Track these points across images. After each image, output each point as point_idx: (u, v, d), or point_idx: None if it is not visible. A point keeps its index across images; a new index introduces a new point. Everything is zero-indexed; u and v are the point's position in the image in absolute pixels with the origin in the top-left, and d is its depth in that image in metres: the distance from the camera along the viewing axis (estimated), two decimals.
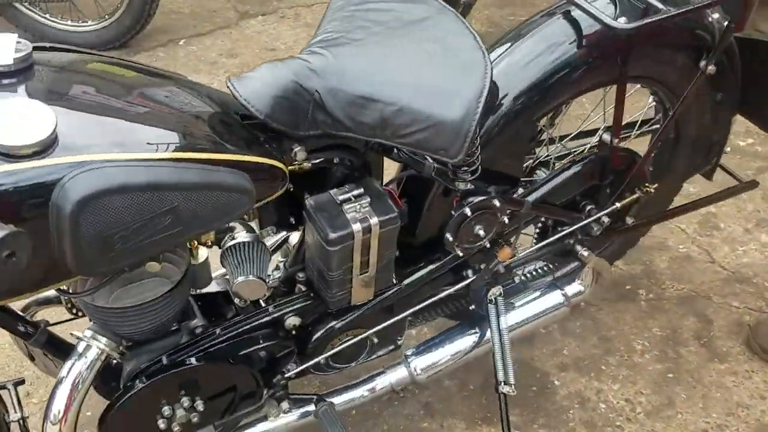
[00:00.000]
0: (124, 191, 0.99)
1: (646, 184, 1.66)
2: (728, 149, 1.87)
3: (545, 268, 1.83)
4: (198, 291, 1.48)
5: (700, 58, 1.54)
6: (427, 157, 1.33)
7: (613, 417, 1.88)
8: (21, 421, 1.46)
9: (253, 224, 1.41)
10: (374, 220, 1.31)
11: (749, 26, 1.59)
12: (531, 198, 1.59)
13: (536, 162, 1.80)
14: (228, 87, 1.17)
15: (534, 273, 1.83)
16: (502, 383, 1.56)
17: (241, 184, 1.11)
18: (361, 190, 1.34)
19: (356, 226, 1.30)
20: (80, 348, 1.28)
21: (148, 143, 1.06)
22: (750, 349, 2.02)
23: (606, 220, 1.68)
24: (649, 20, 1.31)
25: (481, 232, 1.44)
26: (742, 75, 1.71)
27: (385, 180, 1.51)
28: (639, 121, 1.79)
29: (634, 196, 1.66)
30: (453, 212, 1.42)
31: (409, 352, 1.68)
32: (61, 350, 1.33)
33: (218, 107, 1.22)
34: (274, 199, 1.36)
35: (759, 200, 2.50)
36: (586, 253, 1.69)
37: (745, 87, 1.73)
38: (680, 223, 2.40)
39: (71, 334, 1.32)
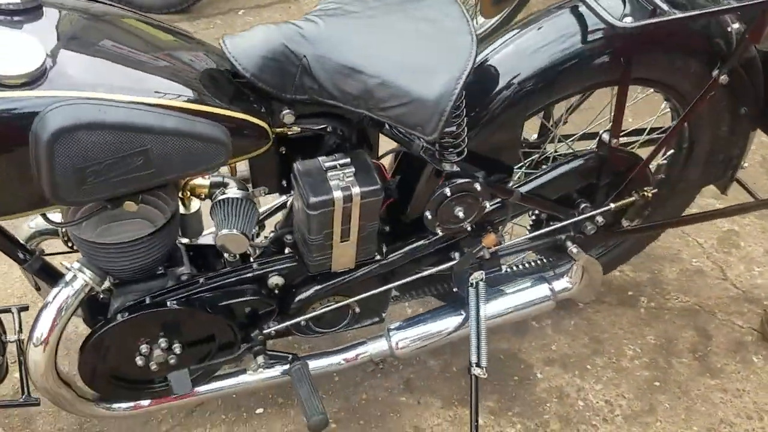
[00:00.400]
0: (98, 128, 1.06)
1: (645, 189, 1.63)
2: (746, 164, 1.83)
3: (539, 263, 1.83)
4: (191, 242, 1.55)
5: (714, 67, 1.52)
6: (416, 137, 1.36)
7: (590, 416, 1.87)
8: (18, 342, 1.55)
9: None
10: (356, 190, 1.34)
11: None
12: (524, 189, 1.59)
13: (542, 157, 1.80)
14: (220, 44, 1.21)
15: (527, 266, 1.83)
16: (474, 365, 1.58)
17: (216, 136, 1.16)
18: (348, 160, 1.37)
19: (337, 194, 1.33)
20: (67, 277, 1.36)
21: (129, 87, 1.11)
22: (763, 336, 1.99)
23: (600, 220, 1.67)
24: (652, 22, 1.30)
25: (461, 214, 1.45)
26: (765, 90, 1.68)
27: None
28: (648, 128, 1.76)
29: (630, 199, 1.64)
30: (435, 191, 1.43)
31: (392, 326, 1.71)
32: (52, 278, 1.41)
33: (212, 63, 1.26)
34: (267, 161, 1.41)
35: None
36: (575, 250, 1.68)
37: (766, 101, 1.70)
38: (699, 237, 2.36)
39: (61, 263, 1.39)
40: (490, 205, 1.52)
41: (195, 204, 1.47)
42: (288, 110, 1.29)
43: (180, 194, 1.43)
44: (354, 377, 1.95)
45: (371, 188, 1.35)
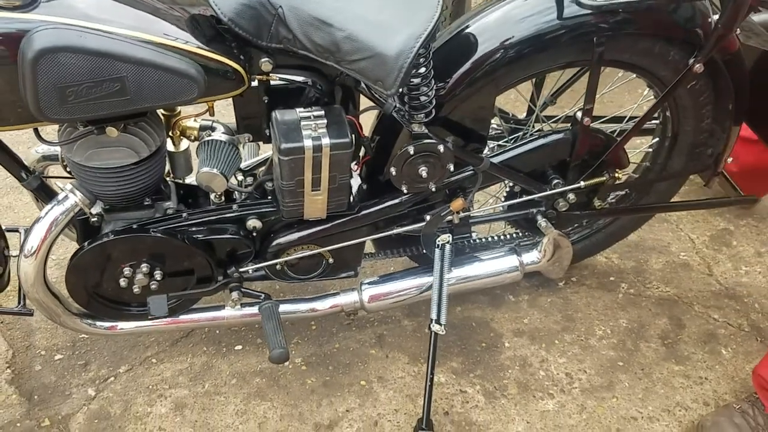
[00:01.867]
0: (78, 51, 1.17)
1: (616, 170, 1.66)
2: (731, 159, 1.84)
3: (514, 236, 1.87)
4: (181, 180, 1.63)
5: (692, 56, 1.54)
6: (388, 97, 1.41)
7: (548, 385, 1.92)
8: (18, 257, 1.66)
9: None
10: (326, 141, 1.41)
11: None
12: (497, 159, 1.63)
13: (525, 135, 1.83)
14: None
15: (501, 238, 1.87)
16: (434, 322, 1.63)
17: (189, 72, 1.25)
18: (322, 113, 1.44)
19: (307, 143, 1.40)
20: (60, 196, 1.48)
21: (111, 20, 1.22)
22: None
23: (572, 197, 1.70)
24: (614, 2, 1.32)
25: (424, 174, 1.51)
26: (752, 86, 1.68)
27: None
28: (628, 116, 1.78)
29: (601, 179, 1.67)
30: (401, 149, 1.48)
31: (365, 281, 1.78)
32: (49, 197, 1.52)
33: (197, 9, 1.34)
34: (251, 109, 1.49)
35: None
36: (545, 224, 1.72)
37: (754, 98, 1.70)
38: (692, 233, 2.38)
39: (56, 184, 1.50)
40: (459, 172, 1.57)
41: (184, 144, 1.56)
42: (266, 58, 1.36)
43: (170, 133, 1.53)
44: (330, 328, 2.03)
45: (341, 141, 1.42)
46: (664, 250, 2.32)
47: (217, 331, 2.01)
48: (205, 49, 1.28)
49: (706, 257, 2.31)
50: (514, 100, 2.62)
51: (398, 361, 1.97)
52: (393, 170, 1.51)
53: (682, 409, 1.87)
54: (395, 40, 1.27)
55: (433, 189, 1.56)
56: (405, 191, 1.56)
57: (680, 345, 2.04)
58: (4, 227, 1.65)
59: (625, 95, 1.97)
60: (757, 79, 1.70)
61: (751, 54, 1.68)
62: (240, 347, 1.98)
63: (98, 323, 1.68)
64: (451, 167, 1.53)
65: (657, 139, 1.80)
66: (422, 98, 1.41)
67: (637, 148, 1.87)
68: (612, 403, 1.88)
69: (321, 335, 2.02)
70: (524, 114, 1.91)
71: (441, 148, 1.48)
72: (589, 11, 1.44)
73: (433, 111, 1.43)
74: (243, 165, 1.68)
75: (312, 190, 1.48)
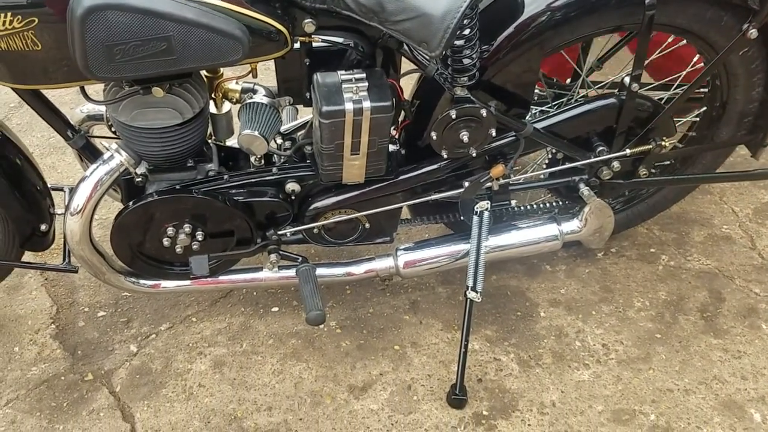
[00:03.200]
0: (126, 10, 1.18)
1: (664, 138, 1.62)
2: None
3: (554, 205, 1.84)
4: (223, 143, 1.64)
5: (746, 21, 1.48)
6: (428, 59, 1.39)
7: (584, 355, 1.90)
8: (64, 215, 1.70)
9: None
10: (366, 105, 1.40)
11: None
12: (540, 125, 1.60)
13: (569, 100, 1.79)
14: None
15: (540, 206, 1.84)
16: (470, 289, 1.62)
17: (233, 32, 1.24)
18: (364, 76, 1.43)
19: (348, 106, 1.39)
20: (105, 156, 1.50)
21: None
22: None
23: (617, 165, 1.66)
24: None
25: (465, 138, 1.48)
26: None
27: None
28: (676, 83, 1.72)
29: (647, 147, 1.63)
30: (442, 113, 1.46)
31: (400, 247, 1.78)
32: (94, 156, 1.54)
33: None
34: (293, 72, 1.49)
35: None
36: (587, 192, 1.69)
37: None
38: (735, 206, 2.31)
39: (101, 143, 1.51)
40: (500, 137, 1.55)
41: (226, 106, 1.56)
42: (309, 19, 1.35)
43: (213, 95, 1.53)
44: (365, 293, 2.04)
45: (382, 104, 1.41)
46: (707, 222, 2.26)
47: (255, 293, 2.02)
48: (251, 9, 1.27)
49: (749, 230, 2.25)
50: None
51: (432, 327, 1.97)
52: (434, 135, 1.49)
53: (719, 383, 1.84)
54: (441, 0, 1.25)
55: (474, 154, 1.54)
56: (445, 156, 1.55)
57: (719, 318, 2.00)
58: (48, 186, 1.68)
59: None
60: None
61: None
62: (276, 309, 2.00)
63: (141, 281, 1.71)
64: (493, 132, 1.50)
65: (705, 108, 1.75)
66: (466, 61, 1.39)
67: (685, 117, 1.82)
68: (648, 374, 1.85)
69: (355, 300, 2.02)
70: (569, 80, 1.87)
71: (484, 112, 1.46)
72: None
73: (477, 74, 1.40)
74: (282, 129, 1.68)
75: (351, 154, 1.47)
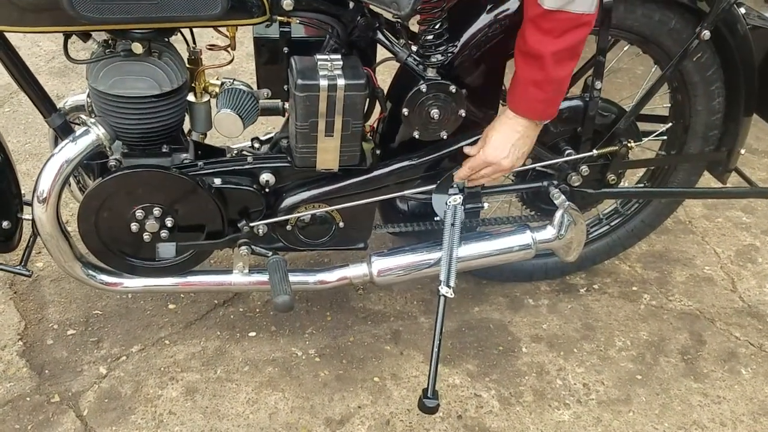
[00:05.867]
0: None
1: (629, 140, 1.56)
2: (743, 151, 1.72)
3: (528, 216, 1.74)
4: (201, 140, 1.59)
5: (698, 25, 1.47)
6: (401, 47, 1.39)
7: (565, 395, 1.69)
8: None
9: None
10: (341, 82, 1.34)
11: None
12: None
13: None
14: None
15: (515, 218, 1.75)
16: (444, 284, 1.49)
17: None
18: (339, 56, 1.39)
19: (323, 82, 1.34)
20: (79, 131, 1.39)
21: None
22: None
23: (585, 170, 1.59)
24: None
25: (436, 116, 1.42)
26: (761, 74, 1.60)
27: None
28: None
29: (613, 148, 1.56)
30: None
31: (374, 253, 1.65)
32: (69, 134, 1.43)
33: None
34: (272, 61, 1.46)
35: None
36: (558, 198, 1.60)
37: (763, 87, 1.62)
38: (717, 247, 2.18)
39: (79, 116, 1.46)
40: (471, 134, 1.49)
41: (205, 98, 1.52)
42: None
43: (193, 84, 1.50)
44: (346, 320, 1.87)
45: (356, 82, 1.35)
46: (689, 262, 2.11)
47: (232, 316, 1.85)
48: None
49: (731, 272, 2.09)
50: None
51: (413, 359, 1.78)
52: (405, 110, 1.41)
53: (699, 428, 1.62)
54: None
55: (445, 136, 1.48)
56: (417, 136, 1.46)
57: (700, 362, 1.80)
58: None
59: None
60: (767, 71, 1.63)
61: (762, 44, 1.62)
62: (254, 334, 1.81)
63: (99, 276, 1.55)
64: (463, 113, 1.43)
65: (671, 123, 1.70)
66: (431, 37, 1.36)
67: (653, 133, 1.76)
68: (628, 417, 1.64)
69: (336, 327, 1.85)
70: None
71: (453, 88, 1.39)
72: None
73: (447, 56, 1.38)
74: (262, 137, 1.64)
75: (325, 136, 1.41)
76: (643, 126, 1.72)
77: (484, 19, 1.45)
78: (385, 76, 1.53)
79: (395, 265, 1.61)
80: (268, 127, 2.31)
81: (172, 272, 1.56)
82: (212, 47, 1.48)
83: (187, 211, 1.47)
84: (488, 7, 1.45)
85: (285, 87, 1.49)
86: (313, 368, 1.73)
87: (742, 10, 1.57)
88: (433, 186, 1.54)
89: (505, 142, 1.39)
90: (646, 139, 1.65)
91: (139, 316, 1.84)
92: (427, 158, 1.55)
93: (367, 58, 1.49)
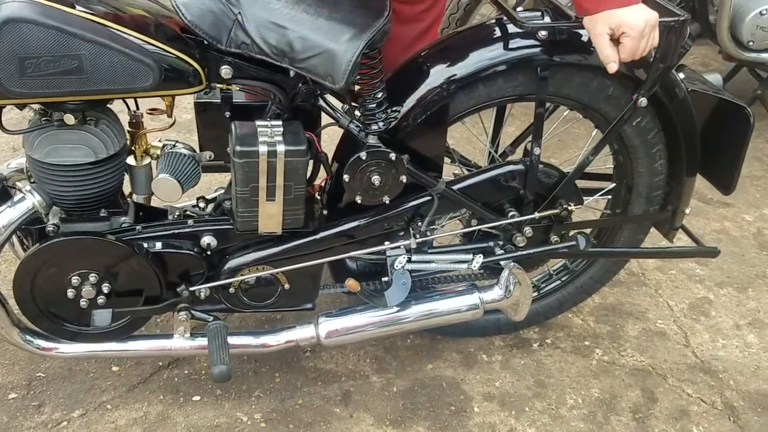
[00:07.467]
0: (40, 25, 1.17)
1: (569, 203, 1.60)
2: (689, 210, 1.76)
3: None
4: (144, 202, 1.58)
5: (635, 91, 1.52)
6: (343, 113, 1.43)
7: None
8: None
9: None
10: (281, 148, 1.36)
11: None
12: (453, 186, 1.58)
13: None
14: None
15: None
16: None
17: (144, 59, 1.24)
18: (279, 122, 1.40)
19: (262, 148, 1.35)
20: (16, 198, 1.40)
21: (82, 4, 1.24)
22: None
23: (529, 231, 1.63)
24: (551, 24, 1.35)
25: (377, 182, 1.44)
26: (703, 136, 1.66)
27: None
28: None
29: (554, 211, 1.60)
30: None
31: (321, 315, 1.65)
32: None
33: (165, 16, 1.37)
34: (214, 125, 1.49)
35: (765, 299, 2.24)
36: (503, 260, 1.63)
37: (707, 150, 1.67)
38: (670, 300, 2.20)
39: (16, 183, 1.46)
40: (415, 197, 1.53)
41: (145, 161, 1.53)
42: (226, 66, 1.35)
43: (133, 148, 1.51)
44: (295, 381, 1.85)
45: (296, 148, 1.37)
46: (641, 316, 2.13)
47: (176, 378, 1.83)
48: (166, 44, 1.27)
49: (684, 326, 2.11)
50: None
51: (362, 422, 1.76)
52: (346, 177, 1.44)
53: None
54: (343, 37, 1.26)
55: (387, 201, 1.49)
56: (359, 201, 1.48)
57: (651, 420, 1.79)
58: None
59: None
60: (709, 131, 1.68)
61: (701, 106, 1.68)
62: (198, 398, 1.78)
63: (36, 341, 1.54)
64: (404, 179, 1.45)
65: (614, 184, 1.75)
66: (372, 106, 1.40)
67: (597, 192, 1.80)
68: None
69: (285, 389, 1.83)
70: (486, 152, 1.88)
71: (392, 156, 1.41)
72: (531, 42, 1.45)
73: (387, 124, 1.42)
74: (208, 196, 1.65)
75: (267, 200, 1.43)
76: (589, 184, 1.77)
77: (428, 84, 1.49)
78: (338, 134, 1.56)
79: (344, 326, 1.61)
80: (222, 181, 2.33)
81: (110, 338, 1.55)
82: (152, 111, 1.49)
83: (124, 276, 1.46)
84: (431, 73, 1.49)
85: (228, 149, 1.50)
86: None
87: (682, 75, 1.63)
88: (380, 247, 1.55)
89: (626, 13, 1.31)
90: (588, 200, 1.69)
91: (82, 379, 1.81)
92: (374, 219, 1.56)
93: (313, 121, 1.52)
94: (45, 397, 1.76)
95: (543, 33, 1.44)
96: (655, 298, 2.21)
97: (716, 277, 2.32)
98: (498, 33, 1.50)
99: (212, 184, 2.33)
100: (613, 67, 1.36)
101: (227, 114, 1.46)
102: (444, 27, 2.56)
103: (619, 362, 1.99)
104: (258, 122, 1.41)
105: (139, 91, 1.28)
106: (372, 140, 1.43)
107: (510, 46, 1.48)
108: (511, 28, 1.48)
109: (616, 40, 1.35)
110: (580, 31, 1.44)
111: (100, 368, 1.84)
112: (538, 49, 1.47)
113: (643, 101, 1.50)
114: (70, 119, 1.29)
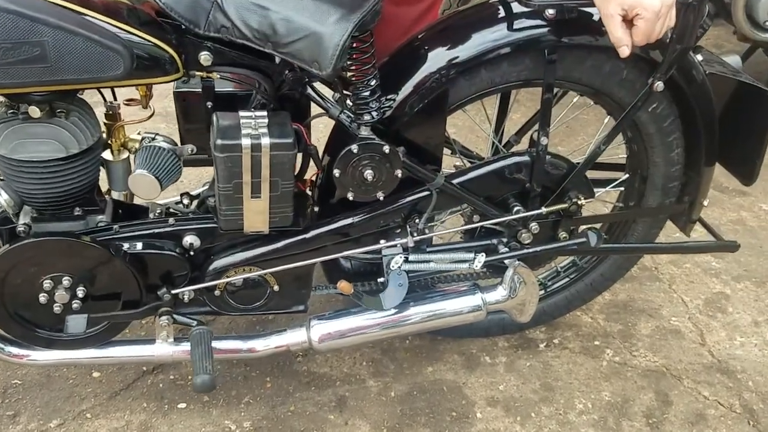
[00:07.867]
0: None
1: (579, 196, 1.50)
2: (706, 202, 1.66)
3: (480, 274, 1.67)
4: (125, 200, 1.50)
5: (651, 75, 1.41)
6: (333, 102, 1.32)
7: None
8: None
9: None
10: (266, 141, 1.26)
11: None
12: (453, 180, 1.48)
13: None
14: None
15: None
16: None
17: (115, 46, 1.14)
18: (264, 113, 1.31)
19: (245, 141, 1.26)
20: None
21: None
22: None
23: (535, 227, 1.53)
24: (555, 2, 1.25)
25: (370, 177, 1.34)
26: (722, 123, 1.56)
27: None
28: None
29: (563, 205, 1.50)
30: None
31: (314, 318, 1.56)
32: None
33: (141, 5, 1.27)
34: (195, 117, 1.38)
35: None
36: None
37: (726, 136, 1.57)
38: (685, 295, 2.10)
39: None
40: (413, 192, 1.43)
41: (123, 155, 1.43)
42: (205, 52, 1.25)
43: (110, 141, 1.41)
44: (287, 386, 1.77)
45: (282, 141, 1.27)
46: (655, 313, 2.03)
47: (161, 384, 1.74)
48: (139, 29, 1.17)
49: (699, 324, 2.01)
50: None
51: (358, 429, 1.66)
52: (336, 172, 1.34)
53: None
54: (330, 19, 1.16)
55: (381, 197, 1.39)
56: (351, 198, 1.38)
57: (665, 425, 1.70)
58: None
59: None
60: (728, 117, 1.58)
61: (720, 90, 1.57)
62: (184, 405, 1.69)
63: (7, 348, 1.45)
64: (399, 173, 1.36)
65: (628, 175, 1.65)
66: (365, 94, 1.29)
67: (609, 184, 1.70)
68: None
69: (276, 394, 1.74)
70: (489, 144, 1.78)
71: (386, 149, 1.31)
72: (538, 22, 1.35)
73: (381, 114, 1.32)
74: (193, 192, 1.56)
75: (252, 196, 1.33)
76: (601, 174, 1.67)
77: (426, 69, 1.38)
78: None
79: (337, 330, 1.52)
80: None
81: (87, 344, 1.46)
82: (129, 102, 1.39)
83: (100, 279, 1.37)
84: (429, 57, 1.39)
85: (210, 142, 1.40)
86: None
87: (699, 57, 1.53)
88: (375, 246, 1.46)
89: None
90: (599, 192, 1.59)
91: (61, 386, 1.72)
92: (369, 216, 1.47)
93: (302, 112, 1.42)
94: (21, 406, 1.67)
95: (551, 12, 1.33)
96: (668, 293, 2.11)
97: (733, 271, 2.22)
98: (502, 12, 1.39)
99: (203, 177, 2.24)
100: (624, 51, 1.24)
101: (209, 104, 1.35)
102: (445, 8, 2.46)
103: (631, 363, 1.90)
104: (241, 113, 1.31)
105: (110, 81, 1.18)
106: (365, 132, 1.33)
107: (515, 27, 1.37)
108: (517, 7, 1.37)
109: (629, 21, 1.24)
110: (592, 9, 1.33)
111: (80, 374, 1.75)
112: (545, 30, 1.36)
113: (659, 85, 1.39)
114: (35, 112, 1.19)
